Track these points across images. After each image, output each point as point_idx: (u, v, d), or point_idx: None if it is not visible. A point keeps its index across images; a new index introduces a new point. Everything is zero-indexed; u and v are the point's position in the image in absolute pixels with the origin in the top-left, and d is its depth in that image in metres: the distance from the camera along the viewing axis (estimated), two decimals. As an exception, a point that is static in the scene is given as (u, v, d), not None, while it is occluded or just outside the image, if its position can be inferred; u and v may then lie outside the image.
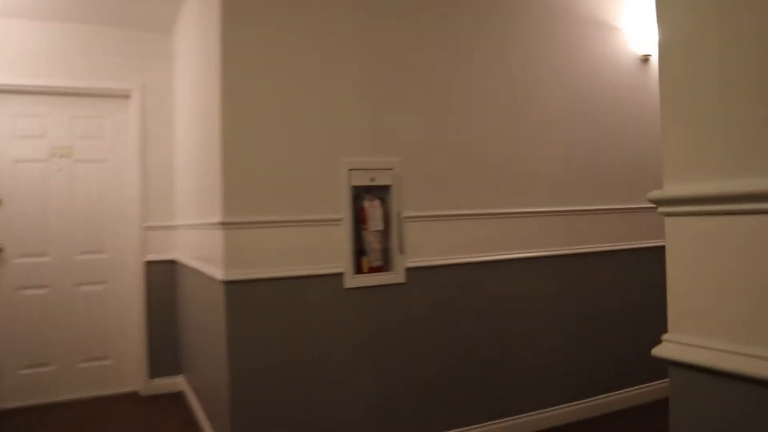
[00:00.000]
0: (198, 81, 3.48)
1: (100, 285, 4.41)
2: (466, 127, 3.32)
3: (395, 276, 3.09)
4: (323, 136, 2.97)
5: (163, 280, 4.49)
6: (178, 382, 4.50)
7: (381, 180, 3.08)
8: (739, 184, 1.04)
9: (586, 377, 3.64)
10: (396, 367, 3.09)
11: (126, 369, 4.46)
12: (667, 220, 1.19)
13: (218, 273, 2.84)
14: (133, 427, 3.76)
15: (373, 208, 3.06)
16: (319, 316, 2.92)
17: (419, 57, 3.21)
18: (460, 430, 3.23)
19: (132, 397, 4.36)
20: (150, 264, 4.46)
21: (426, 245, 3.17)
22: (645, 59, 3.92)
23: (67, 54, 4.26)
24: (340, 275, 2.97)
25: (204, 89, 3.26)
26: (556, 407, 3.52)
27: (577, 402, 3.59)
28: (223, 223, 2.77)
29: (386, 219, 3.10)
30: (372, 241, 3.07)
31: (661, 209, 1.21)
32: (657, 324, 3.84)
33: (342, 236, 2.97)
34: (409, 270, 3.12)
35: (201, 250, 3.42)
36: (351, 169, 3.00)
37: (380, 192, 3.11)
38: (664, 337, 1.21)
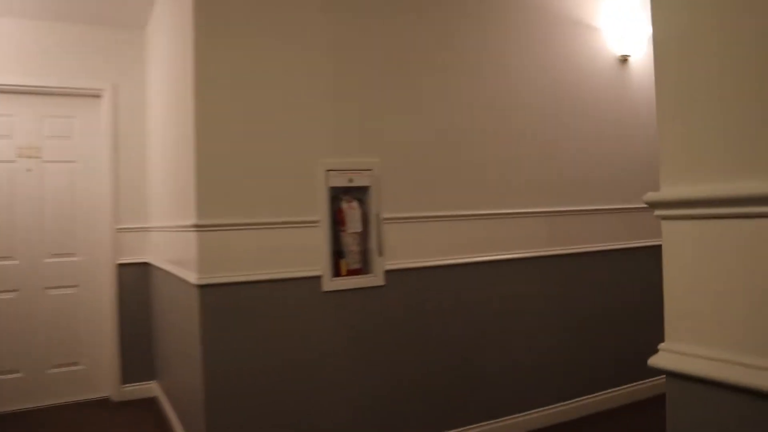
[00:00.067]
0: (171, 80, 3.40)
1: (70, 289, 4.30)
2: (446, 128, 3.28)
3: (374, 279, 3.04)
4: (300, 136, 2.91)
5: (137, 283, 4.39)
6: (151, 388, 4.41)
7: (359, 181, 3.02)
8: (739, 186, 1.00)
9: (571, 377, 3.63)
10: (376, 371, 3.05)
11: (98, 374, 4.35)
12: (664, 223, 1.15)
13: (192, 276, 2.77)
14: (105, 435, 3.67)
15: (351, 210, 3.01)
16: (297, 320, 2.87)
17: (398, 57, 3.17)
18: (440, 434, 3.20)
19: (104, 403, 4.26)
20: (123, 267, 4.36)
21: (406, 247, 3.13)
22: (624, 59, 3.92)
23: (35, 52, 4.14)
24: (317, 278, 2.91)
25: (177, 88, 3.18)
26: (541, 408, 3.51)
27: (563, 402, 3.59)
28: (196, 226, 2.70)
29: (365, 220, 3.05)
30: (350, 243, 3.01)
31: (657, 212, 1.17)
32: (644, 323, 3.89)
33: (320, 238, 2.92)
34: (389, 272, 3.08)
35: (175, 253, 3.34)
36: (329, 170, 2.95)
37: (359, 193, 3.06)
38: (661, 346, 1.17)
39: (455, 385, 3.26)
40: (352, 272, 3.01)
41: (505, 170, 3.45)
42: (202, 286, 2.69)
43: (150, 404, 4.21)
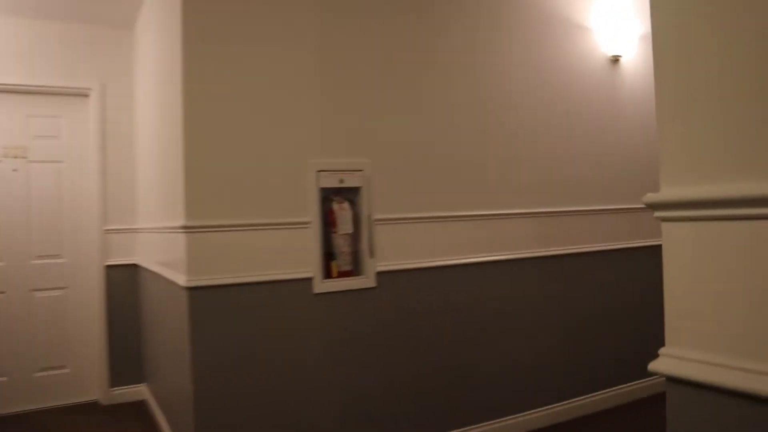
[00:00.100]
0: (160, 79, 3.36)
1: (57, 291, 4.24)
2: (437, 129, 3.26)
3: (366, 280, 3.02)
4: (290, 136, 2.88)
5: (125, 285, 4.34)
6: (140, 391, 4.36)
7: (350, 182, 3.00)
8: (740, 187, 0.98)
9: (567, 378, 3.62)
10: (367, 373, 3.02)
11: (85, 378, 4.30)
12: (664, 224, 1.13)
13: (181, 278, 2.73)
14: (93, 439, 3.62)
15: (342, 211, 2.98)
16: (287, 323, 2.83)
17: (389, 58, 3.15)
18: (432, 436, 3.18)
19: (92, 407, 4.21)
20: (111, 269, 4.30)
21: (397, 248, 3.10)
22: (615, 60, 3.91)
23: (21, 50, 4.08)
24: (308, 280, 2.88)
25: (166, 88, 3.14)
26: (536, 409, 3.50)
27: (559, 403, 3.58)
28: (185, 227, 2.66)
29: (356, 222, 3.02)
30: (341, 245, 2.98)
31: (657, 213, 1.15)
32: (641, 323, 3.89)
33: (310, 240, 2.89)
34: (380, 274, 3.05)
35: (163, 255, 3.30)
36: (319, 171, 2.92)
37: (350, 194, 3.03)
38: (662, 350, 1.14)
39: (448, 386, 3.24)
40: (343, 274, 2.98)
41: (498, 171, 3.43)
42: (191, 289, 2.66)
43: (139, 408, 4.16)
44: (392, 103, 3.14)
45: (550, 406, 3.56)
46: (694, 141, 1.06)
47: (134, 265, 4.35)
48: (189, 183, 2.68)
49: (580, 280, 3.71)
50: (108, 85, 4.31)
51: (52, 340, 4.20)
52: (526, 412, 3.47)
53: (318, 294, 2.90)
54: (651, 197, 1.14)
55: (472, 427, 3.29)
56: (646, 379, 3.95)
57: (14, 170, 4.11)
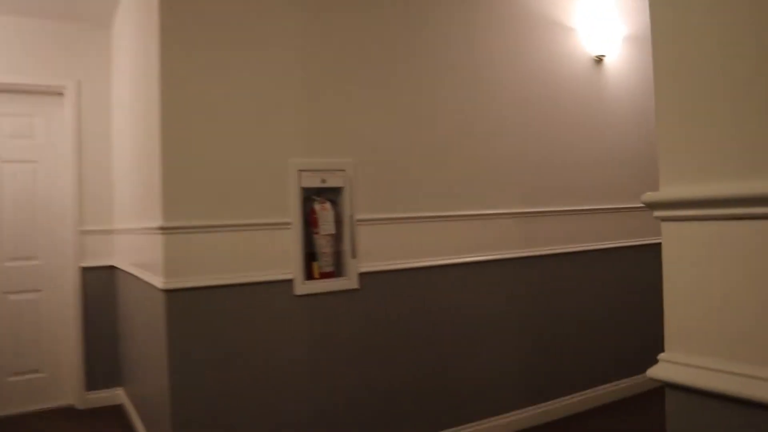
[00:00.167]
0: (137, 77, 3.28)
1: (32, 293, 4.14)
2: (420, 128, 3.22)
3: (348, 282, 2.97)
4: (271, 135, 2.82)
5: (101, 287, 4.24)
6: (117, 395, 4.27)
7: (332, 182, 2.95)
8: (745, 185, 0.94)
9: (548, 380, 3.61)
10: (350, 376, 2.98)
11: (61, 382, 4.20)
12: (664, 224, 1.08)
13: (158, 281, 2.67)
14: (68, 446, 3.54)
15: (324, 211, 2.93)
16: (268, 325, 2.78)
17: (371, 57, 3.10)
18: (415, 440, 3.14)
19: (67, 412, 4.12)
20: (87, 270, 4.21)
21: (380, 249, 3.06)
22: (599, 60, 3.91)
23: (-7, 46, 3.98)
24: (289, 281, 2.83)
25: (143, 87, 3.07)
26: (520, 410, 3.48)
27: (543, 403, 3.56)
28: (162, 228, 2.59)
29: (338, 222, 2.97)
30: (323, 246, 2.93)
31: (656, 213, 1.10)
32: (624, 323, 3.89)
33: (291, 240, 2.83)
34: (363, 275, 3.01)
35: (141, 256, 3.23)
36: (301, 170, 2.86)
37: (332, 194, 2.98)
38: (661, 356, 1.09)
39: (431, 388, 3.20)
40: (324, 275, 2.93)
41: (481, 171, 3.41)
42: (168, 291, 2.59)
43: (116, 412, 4.08)
44: (375, 102, 3.10)
45: (535, 407, 3.54)
46: (696, 137, 1.02)
47: (111, 267, 4.26)
48: (166, 183, 2.62)
49: (564, 281, 3.70)
50: (84, 84, 4.21)
51: (26, 343, 4.10)
52: (511, 413, 3.45)
53: (299, 296, 2.85)
54: (650, 196, 1.10)
55: (456, 428, 3.26)
56: (629, 378, 3.95)
57: (-14, 170, 4.01)
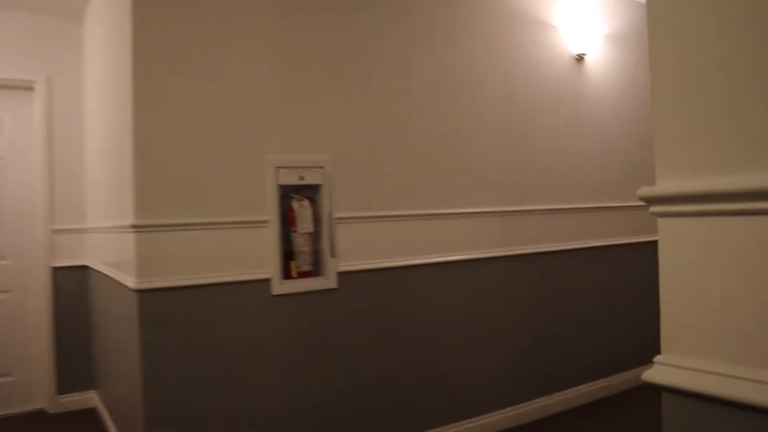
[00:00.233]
0: (110, 72, 3.19)
1: (1, 294, 4.01)
2: (401, 126, 3.18)
3: (326, 281, 2.91)
4: (247, 131, 2.76)
5: (74, 288, 4.13)
6: (90, 398, 4.16)
7: (311, 179, 2.89)
8: (746, 180, 0.89)
9: (532, 378, 3.59)
10: (328, 377, 2.92)
11: (31, 385, 4.08)
12: (661, 221, 1.03)
13: (130, 280, 2.59)
14: (38, 451, 3.44)
15: (302, 209, 2.86)
16: (244, 326, 2.71)
17: (350, 53, 3.05)
18: (395, 442, 3.09)
19: (39, 416, 4.01)
20: (58, 270, 4.09)
21: (359, 248, 3.00)
22: (580, 58, 3.89)
23: (-40, 39, 3.85)
24: (267, 281, 2.77)
25: (115, 81, 2.98)
26: (502, 410, 3.46)
27: (528, 402, 3.56)
28: (134, 226, 2.52)
29: (316, 220, 2.91)
30: (301, 244, 2.87)
31: (653, 209, 1.05)
32: (604, 321, 3.89)
33: (269, 239, 2.77)
34: (342, 274, 2.95)
35: (113, 256, 3.14)
36: (278, 167, 2.80)
37: (310, 192, 2.92)
38: (657, 359, 1.04)
39: (411, 388, 3.16)
40: (303, 274, 2.87)
41: (461, 169, 3.37)
42: (140, 291, 2.52)
43: (89, 415, 3.97)
44: (354, 99, 3.05)
45: (516, 406, 3.52)
46: (694, 130, 0.97)
47: (84, 267, 4.15)
48: (138, 179, 2.54)
49: (547, 280, 3.69)
50: (55, 78, 4.09)
51: (-6, 346, 3.98)
52: (492, 413, 3.43)
53: (277, 295, 2.79)
54: (646, 191, 1.05)
55: (438, 429, 3.22)
56: (612, 375, 3.95)
57: (-47, 167, 3.88)
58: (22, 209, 4.06)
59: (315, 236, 2.91)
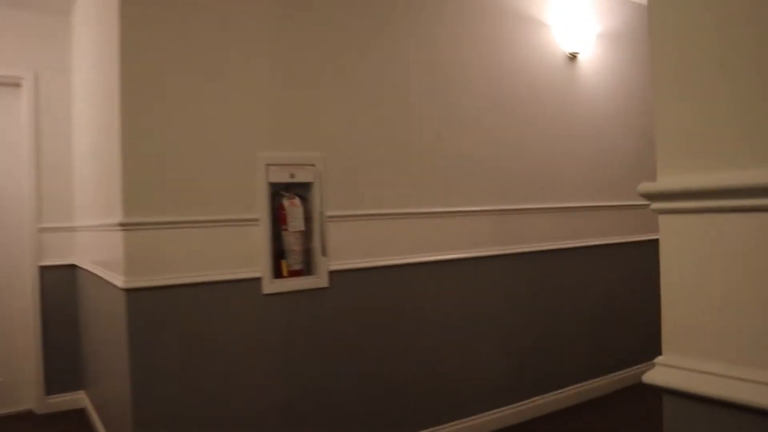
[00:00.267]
0: (98, 67, 3.14)
1: (-13, 294, 3.96)
2: (393, 123, 3.15)
3: (318, 280, 2.88)
4: (238, 128, 2.72)
5: (62, 287, 4.08)
6: (79, 399, 4.11)
7: (302, 176, 2.85)
8: (754, 174, 0.86)
9: (532, 377, 3.58)
10: (320, 377, 2.89)
11: (19, 386, 4.02)
12: (662, 218, 1.00)
13: (118, 279, 2.55)
14: (25, 452, 3.39)
15: (293, 207, 2.83)
16: (235, 326, 2.68)
17: (342, 50, 3.02)
18: (387, 442, 3.07)
19: (27, 417, 3.96)
20: (46, 269, 4.04)
21: (351, 247, 2.97)
22: (572, 57, 3.88)
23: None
24: (257, 280, 2.73)
25: (103, 76, 2.93)
26: (499, 409, 3.45)
27: (519, 403, 3.53)
28: (122, 224, 2.48)
29: (308, 219, 2.88)
30: (292, 243, 2.84)
31: (654, 205, 1.01)
32: (599, 320, 3.88)
33: (259, 237, 2.73)
34: (333, 273, 2.92)
35: (101, 254, 3.10)
36: (268, 165, 2.76)
37: (301, 189, 2.88)
38: (658, 360, 1.01)
39: (404, 388, 3.13)
40: (294, 273, 2.84)
41: (456, 166, 3.35)
42: (129, 290, 2.48)
43: (77, 416, 3.93)
44: (346, 95, 3.02)
45: (515, 405, 3.51)
46: (700, 123, 0.94)
47: (72, 266, 4.10)
48: (126, 176, 2.50)
49: (541, 279, 3.67)
50: (42, 75, 4.03)
51: (-20, 346, 3.92)
52: (490, 412, 3.41)
53: (267, 294, 2.75)
54: (647, 187, 1.01)
55: (431, 429, 3.19)
56: (606, 375, 3.94)
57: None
58: (9, 207, 4.01)
59: (306, 235, 2.88)
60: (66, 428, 3.72)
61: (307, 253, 2.89)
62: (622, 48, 4.20)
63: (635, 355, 4.11)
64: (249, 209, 2.72)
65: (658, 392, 1.01)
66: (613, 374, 4.01)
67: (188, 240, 2.58)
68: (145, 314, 2.50)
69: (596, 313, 3.95)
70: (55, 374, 4.06)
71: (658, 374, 0.99)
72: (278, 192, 2.82)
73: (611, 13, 4.15)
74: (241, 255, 2.70)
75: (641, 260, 4.15)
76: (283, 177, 2.80)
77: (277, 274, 2.79)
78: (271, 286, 2.76)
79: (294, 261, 2.84)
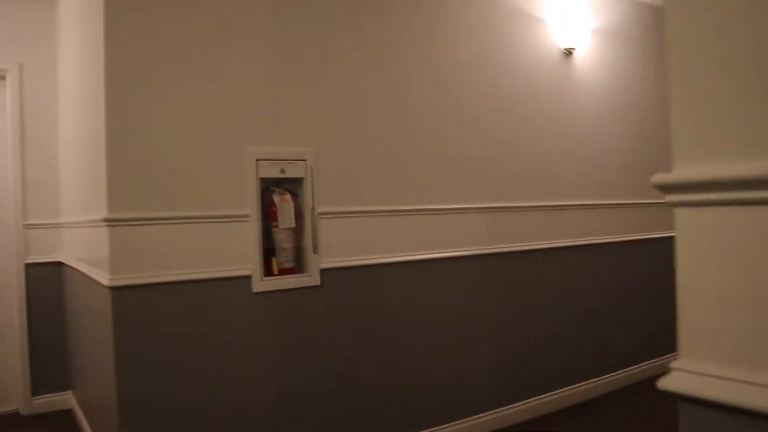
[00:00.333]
0: (82, 64, 3.07)
1: (-30, 292, 3.87)
2: (386, 119, 3.09)
3: (309, 278, 2.82)
4: (227, 121, 2.65)
5: (48, 285, 4.00)
6: (66, 399, 4.03)
7: (293, 172, 2.79)
8: None
9: (526, 378, 3.53)
10: (311, 376, 2.83)
11: (4, 387, 3.94)
12: (678, 211, 0.93)
13: (104, 277, 2.48)
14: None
15: (284, 203, 2.77)
16: (223, 324, 2.62)
17: (336, 45, 2.96)
18: (379, 443, 3.01)
19: (12, 418, 3.88)
20: (31, 267, 3.95)
21: (343, 244, 2.91)
22: (568, 52, 3.83)
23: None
24: (247, 278, 2.67)
25: (89, 69, 2.86)
26: (493, 411, 3.40)
27: (511, 405, 3.48)
28: (108, 220, 2.41)
29: (299, 215, 2.81)
30: (283, 240, 2.77)
31: (669, 198, 0.94)
32: (589, 321, 3.84)
33: (249, 234, 2.67)
34: (325, 271, 2.86)
35: (87, 251, 3.02)
36: (259, 159, 2.70)
37: (292, 185, 2.82)
38: (675, 364, 0.93)
39: (397, 388, 3.08)
40: (284, 271, 2.77)
41: (448, 165, 3.30)
42: (114, 288, 2.41)
43: (64, 417, 3.85)
44: (339, 91, 2.95)
45: (510, 406, 3.46)
46: (720, 111, 0.87)
47: (58, 263, 4.02)
48: (112, 171, 2.43)
49: (536, 279, 3.63)
50: (27, 67, 3.94)
51: (-36, 345, 3.84)
52: (484, 413, 3.36)
53: (257, 293, 2.69)
54: (662, 178, 0.94)
55: (428, 431, 3.14)
56: (605, 376, 3.90)
57: None
58: (-6, 204, 3.93)
59: (297, 232, 2.81)
60: (53, 429, 3.65)
61: (298, 251, 2.83)
62: (618, 44, 4.16)
63: (634, 354, 4.08)
64: (238, 205, 2.66)
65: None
66: (611, 374, 3.98)
67: (175, 237, 2.51)
68: (131, 312, 2.44)
69: (594, 313, 3.91)
70: (42, 374, 3.98)
71: (675, 380, 0.92)
72: (269, 187, 2.75)
73: (606, 9, 4.11)
74: (231, 252, 2.63)
75: (640, 259, 4.12)
76: (273, 172, 2.74)
77: (268, 272, 2.73)
78: (261, 285, 2.69)
79: (285, 258, 2.78)
